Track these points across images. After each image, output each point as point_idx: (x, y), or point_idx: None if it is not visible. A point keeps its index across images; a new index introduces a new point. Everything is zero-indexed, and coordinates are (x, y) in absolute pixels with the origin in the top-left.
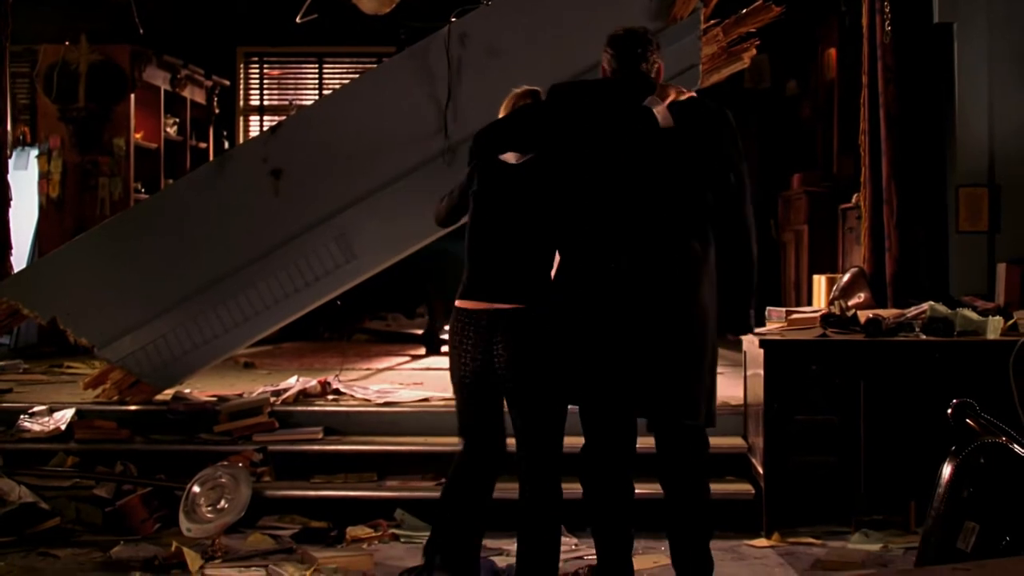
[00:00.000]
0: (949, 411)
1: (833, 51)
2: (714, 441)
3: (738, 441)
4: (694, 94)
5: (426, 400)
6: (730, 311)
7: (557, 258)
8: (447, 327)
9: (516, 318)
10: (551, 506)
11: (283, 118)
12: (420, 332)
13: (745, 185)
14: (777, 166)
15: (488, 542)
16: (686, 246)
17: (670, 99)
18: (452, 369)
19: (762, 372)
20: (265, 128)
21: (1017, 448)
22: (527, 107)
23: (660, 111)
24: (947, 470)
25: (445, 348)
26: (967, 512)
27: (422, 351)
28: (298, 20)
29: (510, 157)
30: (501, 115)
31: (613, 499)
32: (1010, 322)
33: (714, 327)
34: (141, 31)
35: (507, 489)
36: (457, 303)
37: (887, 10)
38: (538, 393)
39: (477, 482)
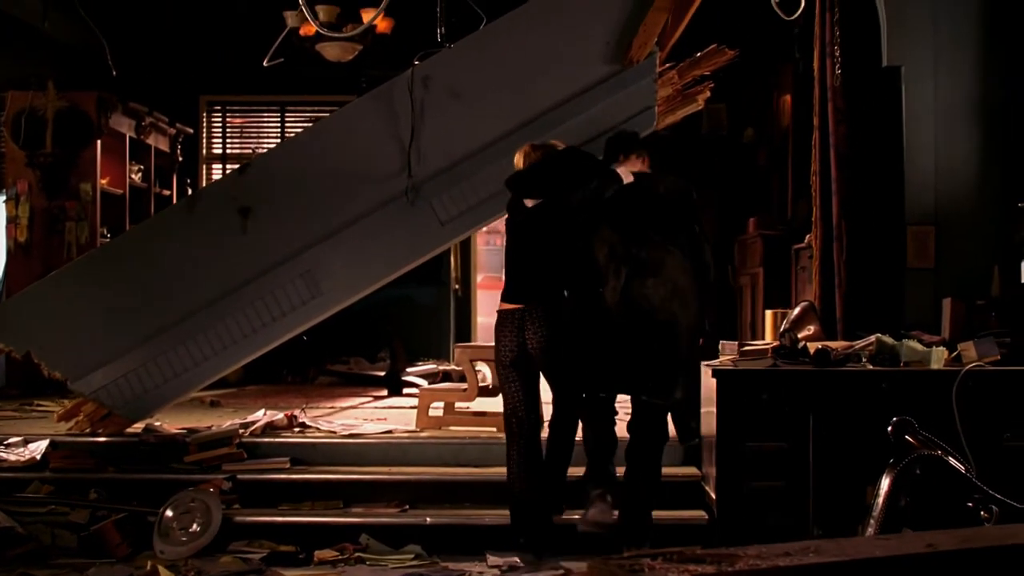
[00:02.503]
0: (890, 428)
1: (788, 98)
2: (670, 471)
3: (693, 470)
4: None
5: (390, 432)
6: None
7: None
8: (408, 369)
9: (539, 313)
10: (570, 439)
11: (251, 159)
12: (382, 374)
13: (705, 235)
14: (735, 212)
15: (451, 564)
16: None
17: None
18: (496, 354)
19: (715, 402)
20: None
21: (952, 461)
22: (539, 162)
23: (623, 171)
24: (886, 481)
25: (407, 390)
26: (905, 520)
27: (384, 392)
28: (265, 64)
29: (528, 201)
30: (516, 162)
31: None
32: (954, 354)
33: (686, 333)
34: (115, 72)
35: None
36: (499, 307)
37: (837, 54)
38: (558, 363)
39: (532, 446)
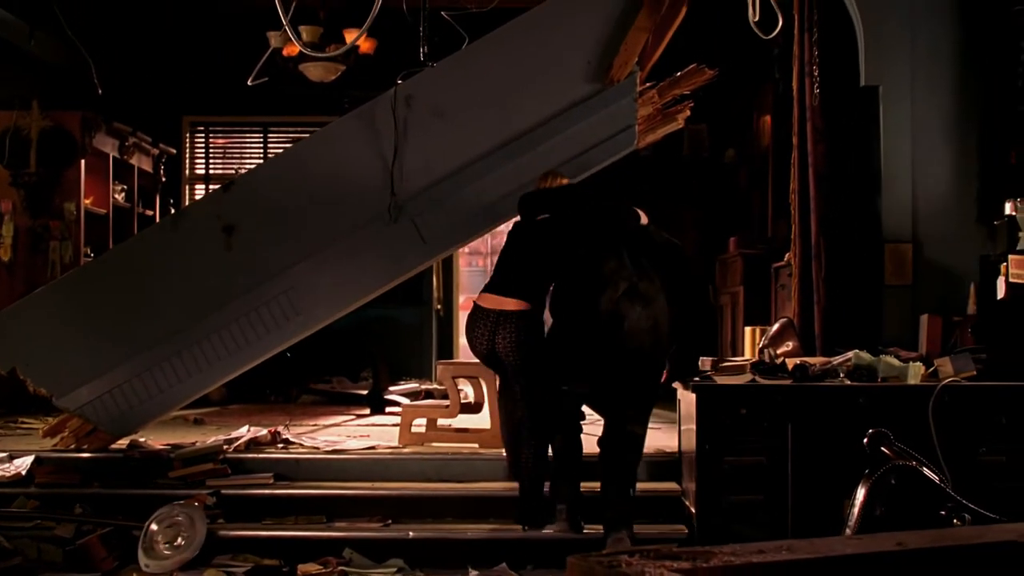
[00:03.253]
0: (865, 440)
1: (768, 118)
2: (650, 486)
3: (673, 486)
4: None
5: (373, 448)
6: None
7: None
8: (391, 388)
9: (512, 320)
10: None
11: (236, 176)
12: (364, 393)
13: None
14: (716, 231)
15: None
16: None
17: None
18: (471, 346)
19: (695, 417)
20: None
21: (926, 471)
22: (561, 188)
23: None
24: (861, 491)
25: (389, 409)
26: (880, 529)
27: (366, 411)
28: (249, 83)
29: (542, 216)
30: (537, 184)
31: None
32: (930, 369)
33: (645, 371)
34: (100, 91)
35: None
36: (476, 299)
37: (816, 74)
38: (527, 365)
39: (513, 403)
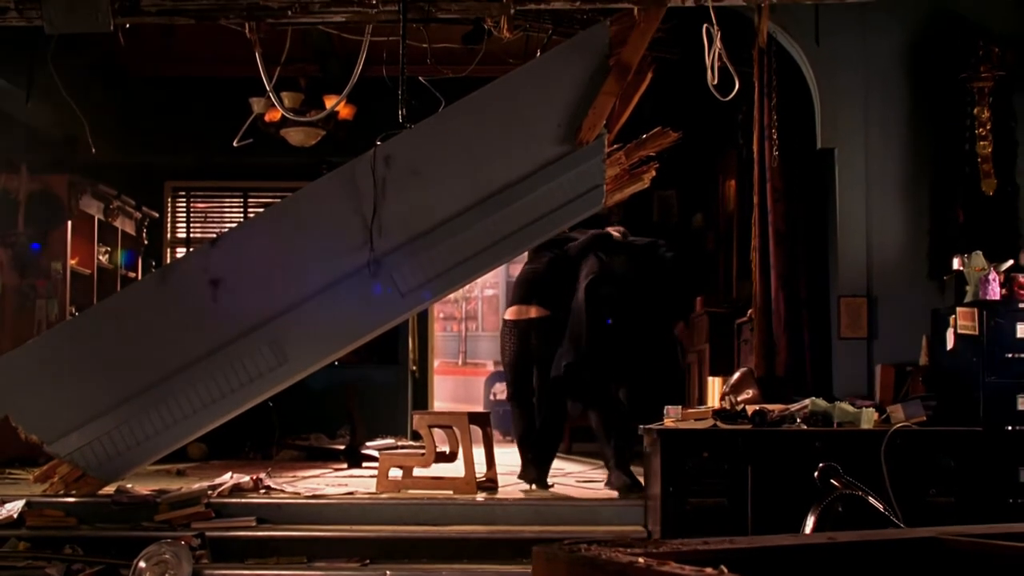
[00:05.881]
0: (816, 473)
1: (732, 183)
2: (617, 529)
3: (639, 529)
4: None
5: (351, 494)
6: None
7: None
8: (367, 443)
9: (536, 324)
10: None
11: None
12: (342, 448)
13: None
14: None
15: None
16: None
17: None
18: (502, 357)
19: (659, 461)
20: None
21: (871, 500)
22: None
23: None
24: (811, 518)
25: (366, 463)
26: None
27: (344, 465)
28: (235, 144)
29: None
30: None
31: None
32: (883, 415)
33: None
34: (94, 150)
35: None
36: (504, 316)
37: (775, 137)
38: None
39: (529, 416)
